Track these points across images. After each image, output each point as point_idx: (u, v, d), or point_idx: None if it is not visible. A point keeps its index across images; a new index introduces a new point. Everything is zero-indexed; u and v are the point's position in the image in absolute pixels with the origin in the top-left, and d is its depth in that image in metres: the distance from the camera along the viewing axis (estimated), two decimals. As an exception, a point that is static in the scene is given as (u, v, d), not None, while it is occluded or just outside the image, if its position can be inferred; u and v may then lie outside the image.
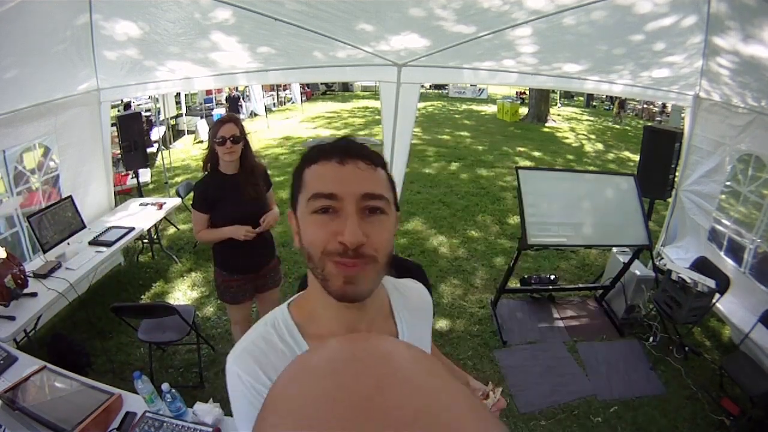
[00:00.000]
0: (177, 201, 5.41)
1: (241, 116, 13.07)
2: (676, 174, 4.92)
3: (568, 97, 22.42)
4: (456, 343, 3.99)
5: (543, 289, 4.62)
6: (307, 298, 0.92)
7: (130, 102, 10.65)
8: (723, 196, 4.52)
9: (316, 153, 0.83)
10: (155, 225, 5.05)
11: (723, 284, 3.75)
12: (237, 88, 14.12)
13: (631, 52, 4.13)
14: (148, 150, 6.55)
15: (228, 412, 2.13)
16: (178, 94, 12.62)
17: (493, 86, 20.50)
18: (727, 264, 4.26)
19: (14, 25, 2.96)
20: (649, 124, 10.72)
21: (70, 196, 4.03)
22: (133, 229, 4.37)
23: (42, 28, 3.28)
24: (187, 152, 10.52)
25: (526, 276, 4.75)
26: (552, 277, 4.72)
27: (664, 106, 16.25)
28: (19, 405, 1.97)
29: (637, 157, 5.53)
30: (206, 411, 2.07)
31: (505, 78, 4.81)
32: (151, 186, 7.79)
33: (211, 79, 4.78)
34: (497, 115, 16.56)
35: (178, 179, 8.12)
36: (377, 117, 10.46)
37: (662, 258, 4.95)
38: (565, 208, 3.99)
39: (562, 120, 16.26)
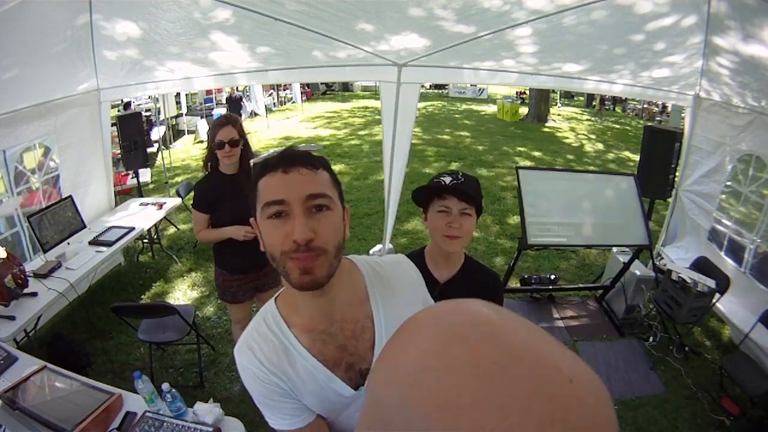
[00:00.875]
0: (177, 201, 5.42)
1: (243, 116, 13.04)
2: (676, 174, 4.91)
3: (568, 97, 22.41)
4: (456, 343, 3.98)
5: (543, 289, 4.61)
6: (288, 292, 1.04)
7: (130, 102, 10.63)
8: (723, 196, 4.51)
9: (264, 166, 0.94)
10: (155, 225, 5.05)
11: (723, 284, 3.75)
12: (238, 88, 14.10)
13: (631, 52, 4.13)
14: (148, 150, 6.55)
15: (228, 411, 2.13)
16: (178, 94, 12.62)
17: (494, 86, 20.49)
18: (727, 264, 4.26)
19: (14, 25, 2.96)
20: (650, 123, 10.72)
21: (70, 196, 4.03)
22: (133, 229, 4.37)
23: (42, 28, 3.28)
24: (187, 152, 10.52)
25: (526, 276, 4.75)
26: (552, 277, 4.72)
27: (664, 106, 16.24)
28: (19, 405, 1.97)
29: (637, 157, 5.53)
30: (206, 411, 2.07)
31: (505, 78, 4.81)
32: (151, 186, 7.79)
33: (210, 79, 4.77)
34: (497, 115, 16.56)
35: (178, 179, 8.13)
36: (377, 117, 10.45)
37: (662, 258, 4.94)
38: (565, 208, 3.99)
39: (562, 120, 16.26)
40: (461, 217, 1.54)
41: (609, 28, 3.75)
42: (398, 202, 4.80)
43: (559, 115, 17.19)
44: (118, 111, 8.48)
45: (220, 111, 12.64)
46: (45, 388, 2.11)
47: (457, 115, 16.95)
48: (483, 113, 17.69)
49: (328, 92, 22.77)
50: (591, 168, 9.81)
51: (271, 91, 17.03)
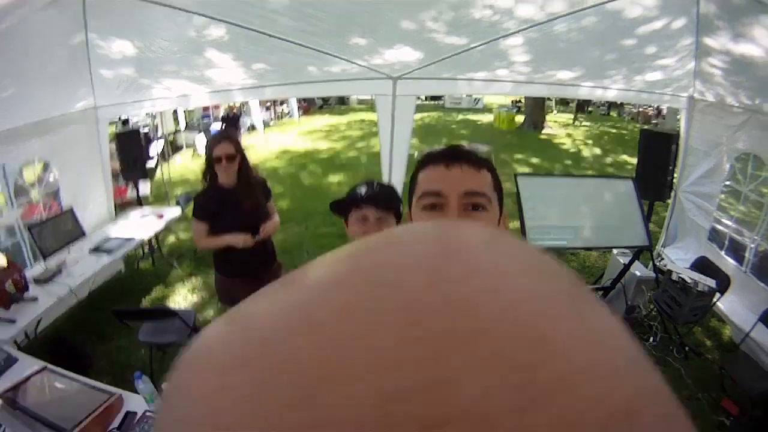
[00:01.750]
0: (177, 211, 5.43)
1: (241, 131, 13.06)
2: (675, 175, 4.93)
3: (563, 103, 22.48)
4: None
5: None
6: None
7: (128, 118, 10.67)
8: (722, 196, 4.52)
9: (428, 158, 0.94)
10: (156, 234, 5.07)
11: (723, 284, 3.75)
12: (236, 105, 14.17)
13: (623, 57, 4.17)
14: (147, 166, 6.57)
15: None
16: (176, 111, 12.67)
17: (489, 96, 20.57)
18: (727, 263, 4.25)
19: (12, 43, 3.00)
20: (645, 127, 10.74)
21: (71, 208, 4.07)
22: (134, 238, 4.40)
23: (39, 46, 3.33)
24: (186, 166, 10.55)
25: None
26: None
27: (659, 108, 16.29)
28: (19, 405, 1.97)
29: (634, 161, 5.54)
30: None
31: (500, 88, 4.85)
32: (151, 199, 7.80)
33: (207, 96, 4.81)
34: (494, 124, 16.61)
35: (178, 192, 8.14)
36: (374, 129, 10.49)
37: (662, 258, 4.94)
38: (564, 213, 4.00)
39: (558, 126, 16.30)
40: (378, 225, 1.59)
41: (600, 34, 3.79)
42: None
43: (555, 121, 17.24)
44: (116, 128, 8.52)
45: (218, 126, 12.69)
46: (45, 388, 2.11)
47: (453, 126, 17.01)
48: (479, 122, 17.75)
49: (324, 106, 22.86)
50: (589, 172, 9.83)
51: (269, 104, 17.10)
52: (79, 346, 3.56)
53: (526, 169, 10.18)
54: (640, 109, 17.73)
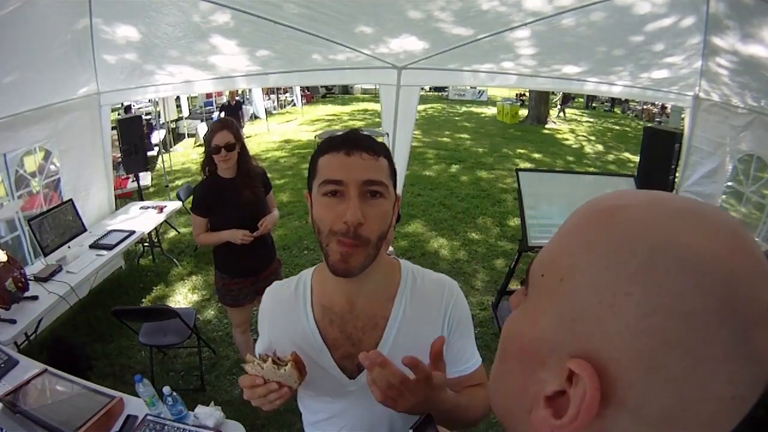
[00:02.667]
0: (177, 204, 5.42)
1: (244, 120, 13.01)
2: (677, 175, 4.91)
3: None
4: (457, 345, 3.97)
5: (544, 290, 4.60)
6: (324, 266, 1.04)
7: (130, 105, 10.65)
8: (724, 197, 4.51)
9: (328, 144, 0.96)
10: (156, 228, 5.05)
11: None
12: (238, 92, 14.10)
13: (630, 53, 4.14)
14: (149, 153, 6.56)
15: (229, 415, 2.13)
16: (179, 98, 12.62)
17: (493, 88, 20.52)
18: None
19: (15, 29, 2.98)
20: (649, 125, 10.73)
21: (71, 200, 4.04)
22: (134, 232, 4.37)
23: (42, 31, 3.30)
24: (188, 155, 10.54)
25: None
26: (553, 278, 4.71)
27: (663, 106, 16.26)
28: (20, 408, 1.97)
29: (637, 158, 5.53)
30: (207, 414, 2.07)
31: (505, 80, 4.82)
32: (151, 189, 7.80)
33: (210, 83, 4.79)
34: (497, 117, 16.58)
35: (179, 182, 8.14)
36: (377, 120, 10.44)
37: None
38: (565, 210, 3.97)
39: (561, 121, 16.27)
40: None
41: (608, 29, 3.76)
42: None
43: (558, 116, 17.21)
44: (119, 114, 8.50)
45: (219, 115, 12.65)
46: (46, 391, 2.11)
47: (456, 118, 16.98)
48: (483, 115, 17.72)
49: (328, 95, 22.82)
50: (591, 169, 9.82)
51: (271, 95, 17.05)
52: (79, 347, 3.56)
53: (528, 165, 10.18)
54: (645, 107, 17.71)
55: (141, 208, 5.11)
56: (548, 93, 15.85)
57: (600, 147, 12.59)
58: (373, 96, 21.04)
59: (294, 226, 6.35)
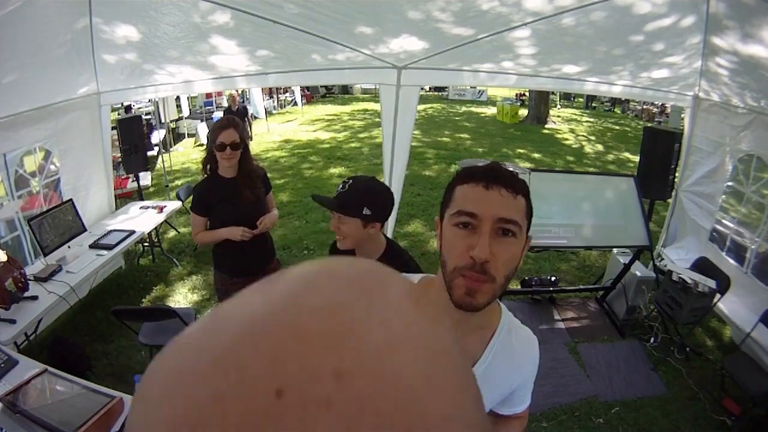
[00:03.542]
0: (177, 204, 5.41)
1: (251, 128, 12.99)
2: (676, 175, 4.91)
3: (567, 98, 22.42)
4: (457, 345, 3.98)
5: (544, 290, 4.61)
6: (432, 284, 1.04)
7: (130, 105, 10.64)
8: (724, 197, 4.51)
9: (468, 174, 0.94)
10: (156, 228, 5.05)
11: (723, 284, 3.75)
12: (242, 96, 14.06)
13: (630, 53, 4.14)
14: (149, 153, 6.55)
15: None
16: (179, 98, 12.61)
17: (493, 88, 20.51)
18: (728, 264, 4.25)
19: (15, 28, 2.98)
20: (649, 124, 10.73)
21: (71, 200, 4.04)
22: (134, 232, 4.37)
23: (42, 31, 3.29)
24: (188, 155, 10.53)
25: (526, 278, 4.75)
26: (553, 278, 4.72)
27: (663, 106, 16.25)
28: (20, 408, 1.97)
29: (637, 158, 5.53)
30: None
31: (505, 80, 4.82)
32: (151, 189, 7.79)
33: (210, 83, 4.79)
34: (497, 117, 16.56)
35: (179, 182, 8.13)
36: (377, 120, 10.43)
37: (663, 259, 4.94)
38: (565, 210, 3.99)
39: (561, 121, 16.26)
40: (339, 222, 1.79)
41: (608, 29, 3.76)
42: (398, 205, 4.80)
43: (558, 116, 17.20)
44: (119, 114, 8.50)
45: (220, 114, 12.65)
46: (46, 391, 2.11)
47: (456, 117, 16.96)
48: (483, 115, 17.70)
49: (327, 95, 22.80)
50: (591, 169, 9.82)
51: (271, 96, 17.04)
52: (79, 347, 3.56)
53: (528, 165, 10.17)
54: (645, 107, 17.71)
55: (141, 208, 5.11)
56: (548, 93, 15.84)
57: (600, 147, 12.59)
58: (373, 96, 21.02)
59: (294, 226, 6.35)
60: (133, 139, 5.26)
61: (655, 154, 4.89)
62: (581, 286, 4.88)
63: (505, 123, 15.61)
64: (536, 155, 11.11)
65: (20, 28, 3.02)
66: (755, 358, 3.44)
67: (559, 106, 20.34)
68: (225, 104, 13.88)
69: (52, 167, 4.28)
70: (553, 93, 18.11)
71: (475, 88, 21.88)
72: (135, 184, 5.97)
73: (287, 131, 13.46)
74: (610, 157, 11.48)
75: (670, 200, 5.09)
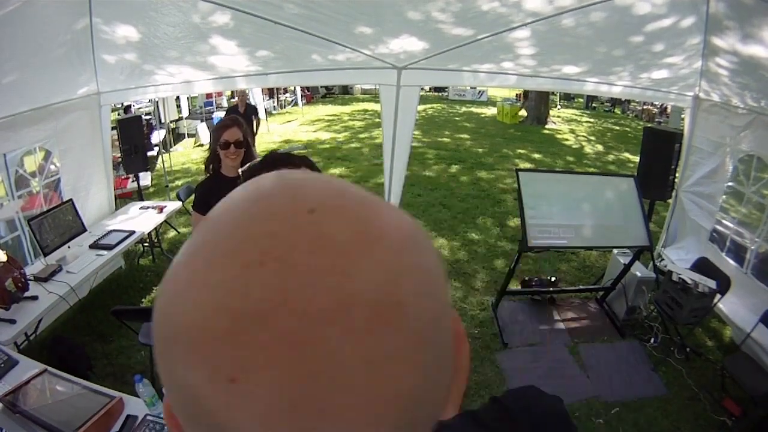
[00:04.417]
0: (177, 204, 5.41)
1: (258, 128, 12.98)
2: (677, 175, 4.91)
3: (567, 98, 22.40)
4: (457, 345, 3.97)
5: (544, 291, 4.61)
6: None
7: (130, 105, 10.64)
8: (724, 197, 4.51)
9: (250, 174, 0.97)
10: (156, 228, 5.05)
11: (723, 285, 3.75)
12: (251, 97, 14.04)
13: (630, 54, 4.14)
14: (149, 153, 6.55)
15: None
16: (179, 98, 12.60)
17: (493, 89, 20.49)
18: (728, 264, 4.25)
19: (15, 28, 2.98)
20: (649, 125, 10.72)
21: (71, 200, 4.04)
22: (134, 232, 4.37)
23: (42, 31, 3.29)
24: (188, 156, 10.52)
25: (526, 278, 4.75)
26: (553, 278, 4.72)
27: (663, 107, 16.23)
28: (20, 408, 1.97)
29: (637, 159, 5.53)
30: (207, 414, 2.06)
31: (505, 80, 4.81)
32: (151, 189, 7.79)
33: (210, 83, 4.79)
34: (497, 118, 16.54)
35: (179, 182, 8.13)
36: (377, 120, 10.42)
37: (663, 259, 4.94)
38: (565, 210, 3.99)
39: (561, 122, 16.25)
40: None
41: (608, 29, 3.76)
42: (399, 205, 4.79)
43: (558, 116, 17.19)
44: (119, 114, 8.49)
45: (220, 114, 12.64)
46: (46, 391, 2.11)
47: (456, 118, 16.94)
48: (483, 115, 17.69)
49: (328, 95, 22.79)
50: (591, 170, 9.81)
51: (271, 96, 17.02)
52: (79, 347, 3.56)
53: (528, 165, 10.17)
54: (645, 107, 17.69)
55: (141, 208, 5.11)
56: (548, 93, 15.82)
57: (600, 147, 12.58)
58: (373, 96, 21.00)
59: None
60: (133, 139, 5.26)
61: (656, 155, 4.89)
62: (581, 287, 4.88)
63: (505, 123, 15.60)
64: (536, 156, 11.09)
65: (20, 28, 3.02)
66: (755, 358, 3.44)
67: (559, 107, 20.32)
68: (225, 104, 13.89)
69: (52, 167, 4.28)
70: (553, 93, 18.09)
71: (475, 88, 21.87)
72: (135, 185, 5.98)
73: (287, 131, 13.45)
74: (610, 157, 11.47)
75: (670, 200, 5.08)
